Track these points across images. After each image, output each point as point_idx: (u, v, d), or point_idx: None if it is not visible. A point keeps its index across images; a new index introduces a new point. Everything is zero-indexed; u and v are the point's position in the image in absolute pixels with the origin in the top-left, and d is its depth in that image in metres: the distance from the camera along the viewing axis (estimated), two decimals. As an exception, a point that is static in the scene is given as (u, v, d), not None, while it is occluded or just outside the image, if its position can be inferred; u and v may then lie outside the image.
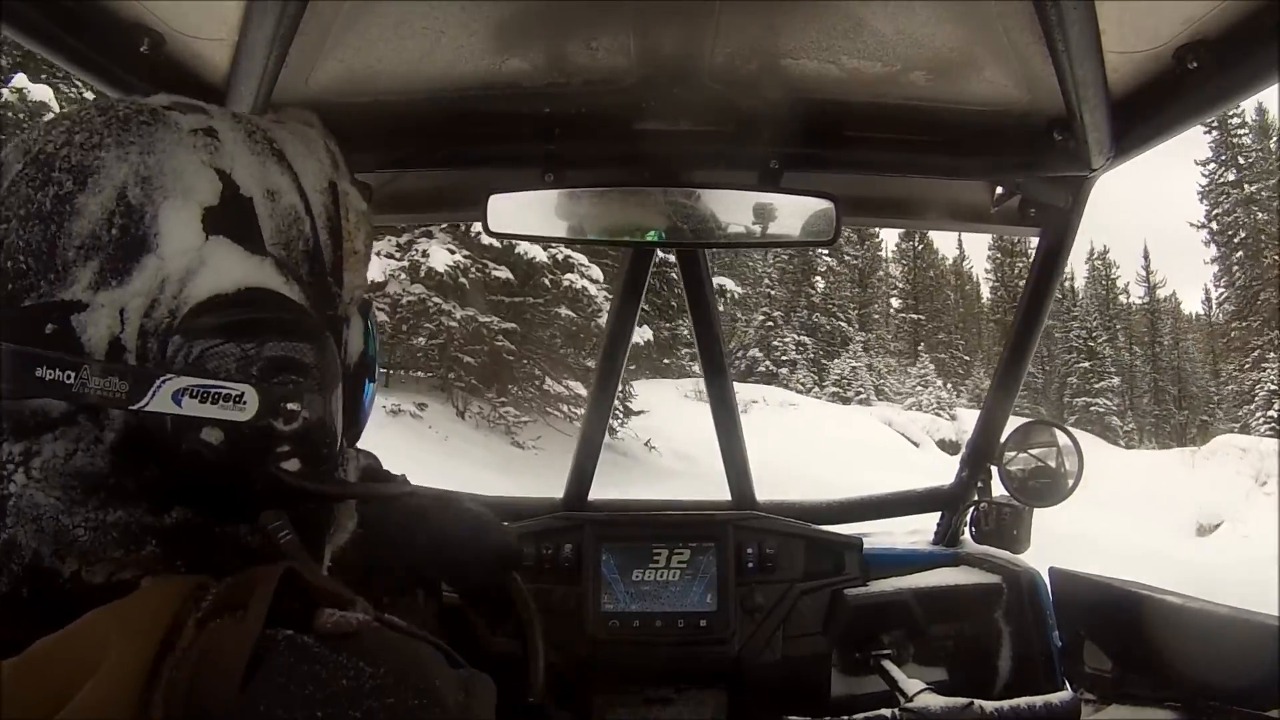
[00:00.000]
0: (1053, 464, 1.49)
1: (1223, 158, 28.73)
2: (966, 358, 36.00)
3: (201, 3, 0.91)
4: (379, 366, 0.62)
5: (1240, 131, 28.33)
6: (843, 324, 30.78)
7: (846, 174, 1.35)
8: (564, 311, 11.39)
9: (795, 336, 28.67)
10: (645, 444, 12.43)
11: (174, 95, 0.52)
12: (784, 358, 28.07)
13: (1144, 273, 37.41)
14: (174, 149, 0.47)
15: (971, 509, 1.60)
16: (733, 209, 1.34)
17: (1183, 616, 1.18)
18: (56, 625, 0.39)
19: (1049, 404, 34.44)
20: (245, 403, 0.45)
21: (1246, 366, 27.18)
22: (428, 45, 1.07)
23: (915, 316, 36.10)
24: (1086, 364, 33.39)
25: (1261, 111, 27.96)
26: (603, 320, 9.44)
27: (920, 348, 32.14)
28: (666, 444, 12.29)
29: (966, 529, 1.62)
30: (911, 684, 1.30)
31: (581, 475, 1.63)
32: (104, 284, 0.44)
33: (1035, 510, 1.54)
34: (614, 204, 1.36)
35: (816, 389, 26.91)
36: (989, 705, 1.22)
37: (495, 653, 1.07)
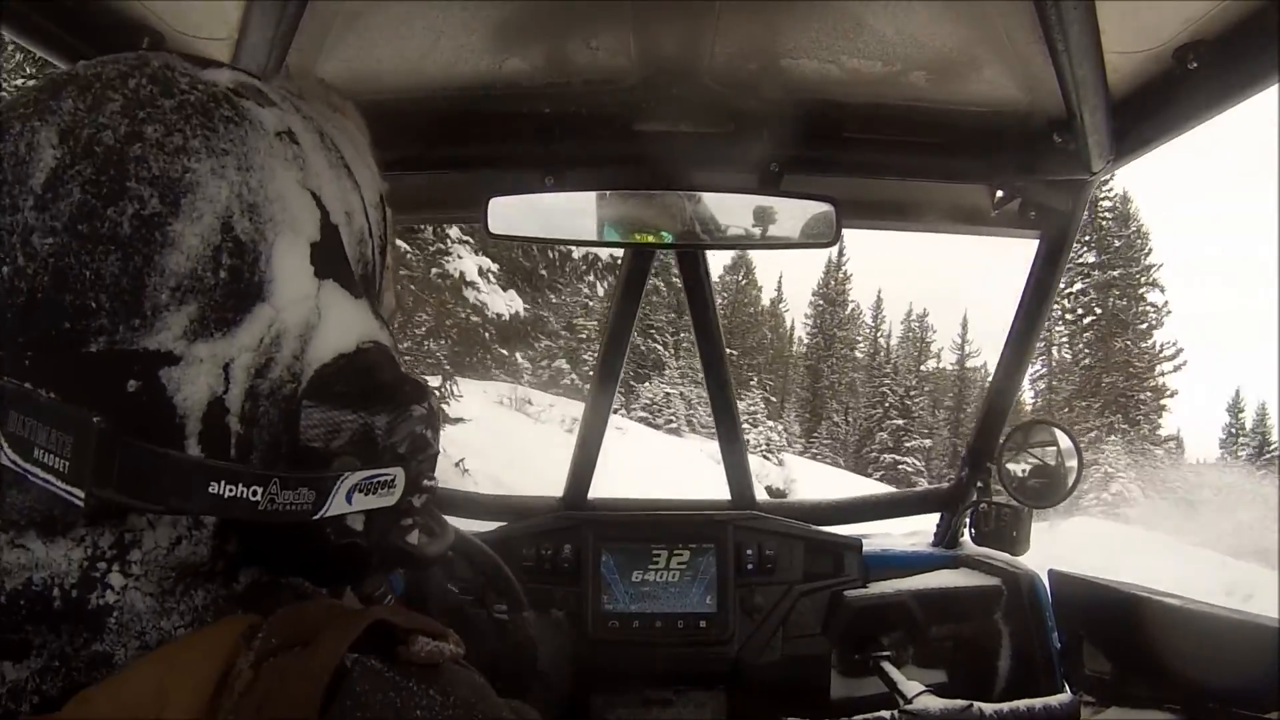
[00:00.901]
0: (1052, 464, 1.48)
1: (1086, 237, 27.86)
2: (774, 399, 35.42)
3: (202, 2, 0.91)
4: None
5: (1107, 215, 27.75)
6: (658, 347, 29.43)
7: (847, 177, 1.35)
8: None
9: (609, 354, 26.59)
10: (457, 464, 9.26)
11: (231, 67, 0.44)
12: (591, 373, 25.79)
13: (959, 340, 37.98)
14: (271, 165, 0.39)
15: (971, 510, 1.60)
16: (733, 211, 1.34)
17: (1182, 618, 1.18)
18: None
19: (849, 456, 34.56)
20: (395, 486, 0.42)
21: (1082, 446, 26.55)
22: (428, 45, 1.07)
23: (729, 351, 34.20)
24: (900, 421, 33.59)
25: (1125, 200, 27.82)
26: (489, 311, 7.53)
27: (754, 383, 31.14)
28: (484, 465, 9.36)
29: (966, 530, 1.61)
30: (911, 686, 1.29)
31: (581, 474, 1.63)
32: (204, 334, 0.37)
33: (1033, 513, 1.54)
34: (614, 205, 1.36)
35: (623, 410, 24.44)
36: (988, 707, 1.22)
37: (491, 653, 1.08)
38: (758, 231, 1.34)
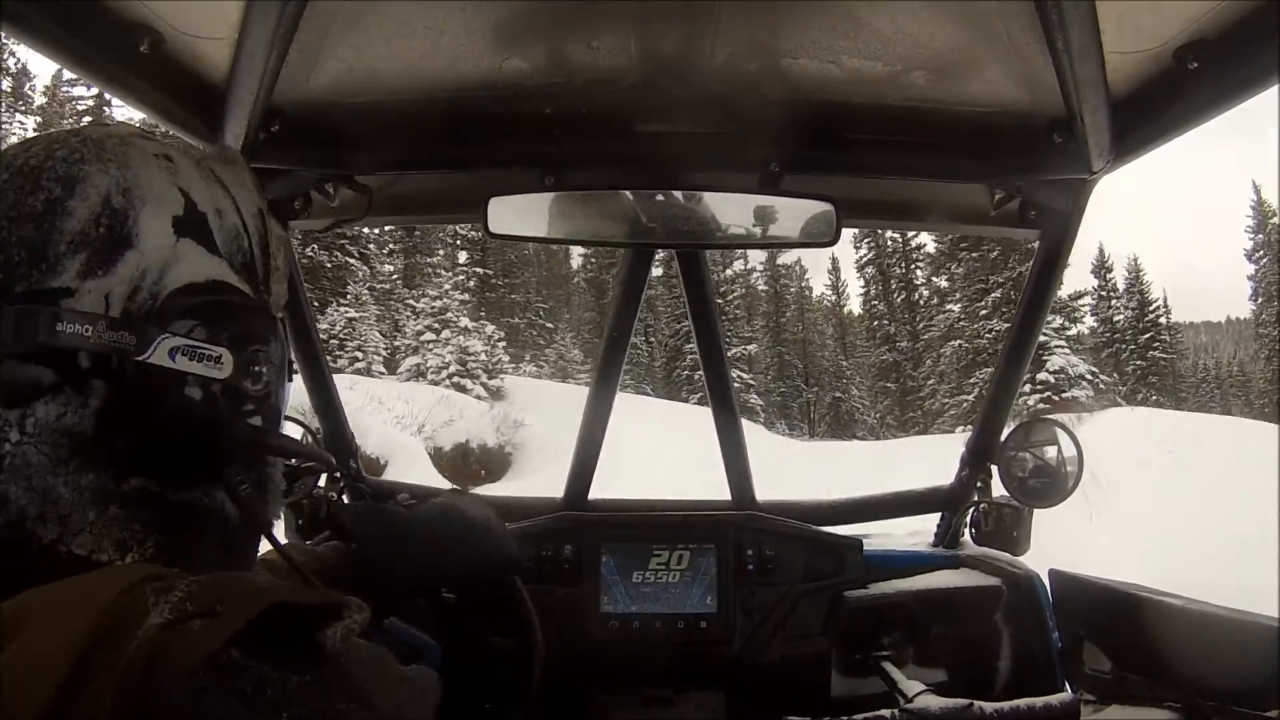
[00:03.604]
0: (1054, 463, 1.48)
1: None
2: (550, 325, 31.78)
3: (202, 2, 0.91)
4: None
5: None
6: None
7: (847, 176, 1.35)
8: None
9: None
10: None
11: (134, 126, 0.60)
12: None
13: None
14: (145, 167, 0.55)
15: (971, 509, 1.60)
16: (733, 210, 1.34)
17: (1182, 617, 1.18)
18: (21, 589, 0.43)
19: (658, 381, 30.64)
20: (223, 363, 0.55)
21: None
22: (428, 45, 1.07)
23: (483, 271, 29.23)
24: None
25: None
26: None
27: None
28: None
29: (967, 530, 1.61)
30: (911, 685, 1.29)
31: (581, 474, 1.63)
32: (91, 273, 0.51)
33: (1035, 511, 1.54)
34: (614, 205, 1.36)
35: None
36: (988, 706, 1.22)
37: (494, 651, 1.08)
38: (758, 231, 1.34)
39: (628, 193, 1.34)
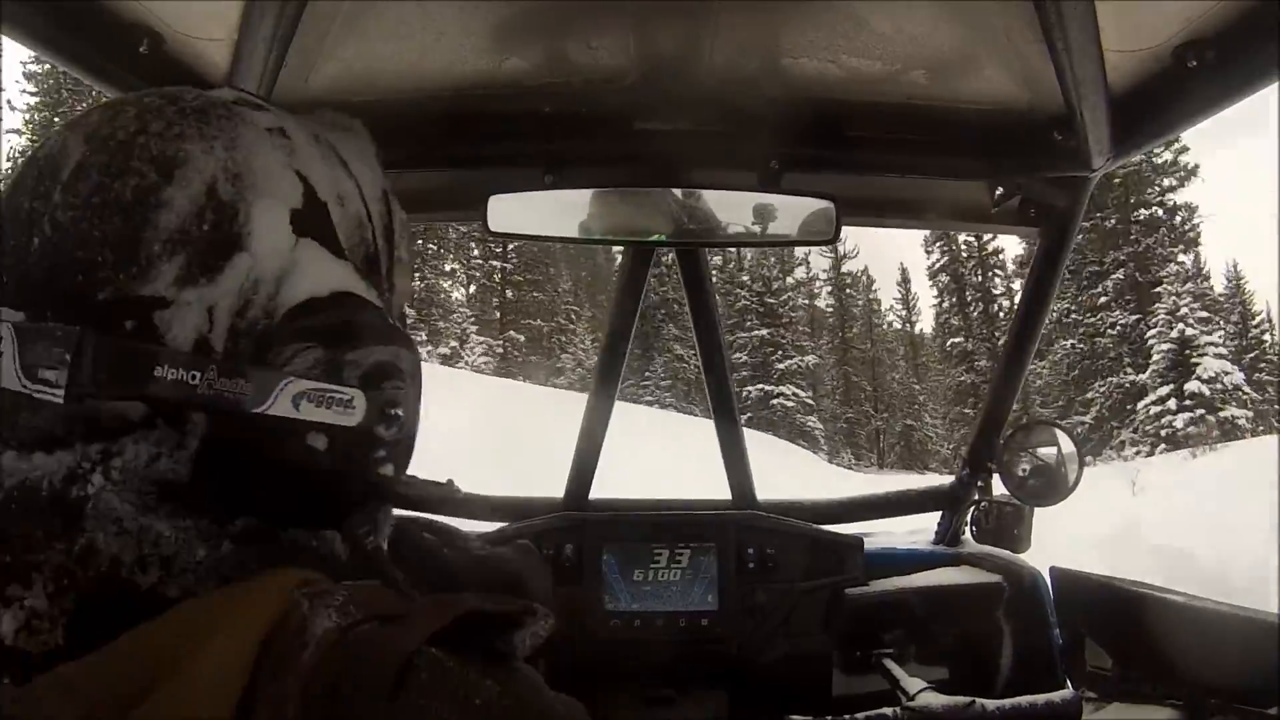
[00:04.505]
0: (1053, 463, 1.48)
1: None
2: (577, 330, 26.68)
3: (201, 3, 0.91)
4: None
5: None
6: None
7: (847, 175, 1.35)
8: None
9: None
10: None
11: (236, 89, 0.51)
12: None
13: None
14: (257, 146, 0.46)
15: (972, 508, 1.60)
16: (733, 208, 1.35)
17: (1184, 614, 1.18)
18: None
19: (700, 393, 24.02)
20: (355, 407, 0.46)
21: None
22: (427, 45, 1.07)
23: (503, 265, 26.27)
24: (764, 331, 24.03)
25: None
26: None
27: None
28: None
29: (967, 529, 1.62)
30: (913, 683, 1.30)
31: (582, 474, 1.62)
32: (191, 281, 0.42)
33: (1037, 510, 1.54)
34: (614, 203, 1.36)
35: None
36: (990, 704, 1.22)
37: None
38: (757, 229, 1.34)
39: (627, 191, 1.35)
